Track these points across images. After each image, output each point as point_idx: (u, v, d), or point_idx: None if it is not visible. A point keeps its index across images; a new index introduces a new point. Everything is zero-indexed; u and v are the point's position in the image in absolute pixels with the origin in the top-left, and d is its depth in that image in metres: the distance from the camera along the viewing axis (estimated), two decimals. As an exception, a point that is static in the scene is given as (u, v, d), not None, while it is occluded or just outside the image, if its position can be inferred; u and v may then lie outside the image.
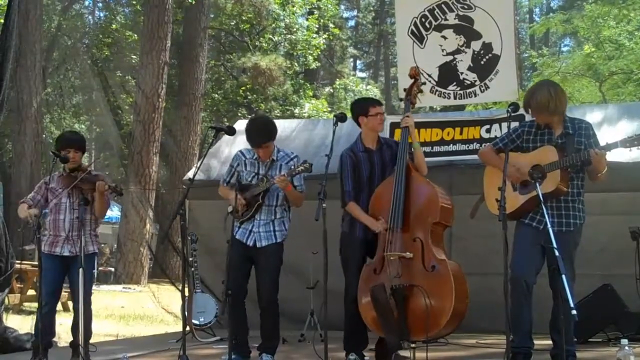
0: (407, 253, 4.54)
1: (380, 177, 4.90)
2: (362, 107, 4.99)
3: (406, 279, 4.50)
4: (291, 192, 4.90)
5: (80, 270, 4.81)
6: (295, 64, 22.25)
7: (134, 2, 22.13)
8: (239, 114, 20.73)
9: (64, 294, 7.48)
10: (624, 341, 3.66)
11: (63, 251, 5.23)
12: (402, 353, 4.66)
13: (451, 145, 6.72)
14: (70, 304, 7.50)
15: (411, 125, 4.85)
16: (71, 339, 5.28)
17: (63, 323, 5.97)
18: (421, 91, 5.22)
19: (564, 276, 3.66)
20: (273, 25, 21.10)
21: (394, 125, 6.53)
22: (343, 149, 5.06)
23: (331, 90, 25.14)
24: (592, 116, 6.72)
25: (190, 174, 6.79)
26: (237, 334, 4.89)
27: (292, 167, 4.88)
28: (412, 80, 5.11)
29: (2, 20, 8.24)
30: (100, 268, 19.82)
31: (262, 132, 4.96)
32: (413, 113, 5.17)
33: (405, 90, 5.14)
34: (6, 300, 7.52)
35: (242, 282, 4.94)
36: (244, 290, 4.95)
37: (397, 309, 4.46)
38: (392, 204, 4.64)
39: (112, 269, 18.20)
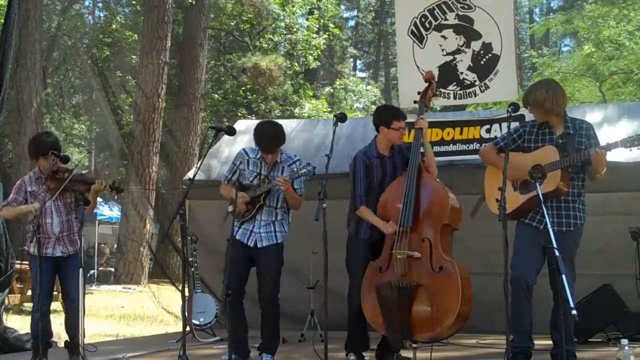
0: (415, 253, 4.55)
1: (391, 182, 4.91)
2: (386, 118, 4.94)
3: (412, 279, 4.49)
4: (291, 194, 4.89)
5: (80, 270, 4.80)
6: (295, 64, 22.25)
7: (134, 2, 22.13)
8: (239, 114, 20.71)
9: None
10: (624, 341, 3.66)
11: (55, 252, 5.21)
12: (404, 353, 4.67)
13: (451, 145, 6.74)
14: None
15: (425, 127, 4.88)
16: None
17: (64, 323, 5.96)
18: (435, 94, 5.27)
19: (564, 276, 3.66)
20: (273, 25, 21.10)
21: None
22: (357, 151, 5.05)
23: (331, 90, 25.10)
24: (592, 116, 6.73)
25: (190, 174, 6.79)
26: (237, 334, 4.87)
27: (295, 169, 4.88)
28: (427, 84, 5.14)
29: (2, 20, 8.25)
30: (100, 268, 19.88)
31: (274, 140, 4.94)
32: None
33: (419, 93, 5.16)
34: (6, 301, 7.52)
35: (241, 282, 4.92)
36: (242, 291, 4.93)
37: (401, 307, 4.46)
38: (403, 203, 4.64)
39: (112, 269, 18.21)
